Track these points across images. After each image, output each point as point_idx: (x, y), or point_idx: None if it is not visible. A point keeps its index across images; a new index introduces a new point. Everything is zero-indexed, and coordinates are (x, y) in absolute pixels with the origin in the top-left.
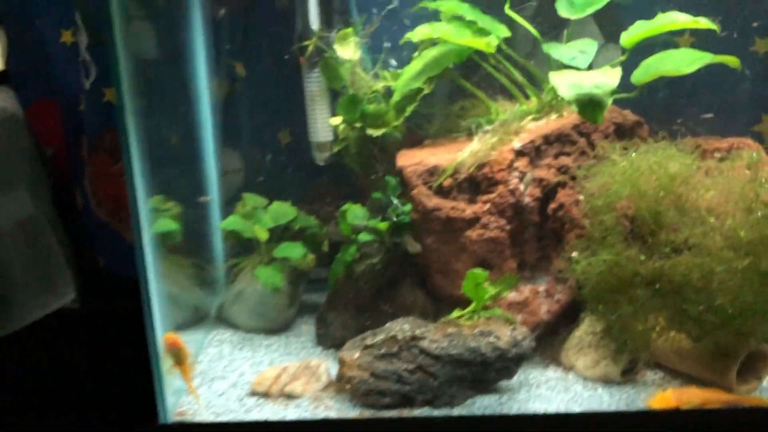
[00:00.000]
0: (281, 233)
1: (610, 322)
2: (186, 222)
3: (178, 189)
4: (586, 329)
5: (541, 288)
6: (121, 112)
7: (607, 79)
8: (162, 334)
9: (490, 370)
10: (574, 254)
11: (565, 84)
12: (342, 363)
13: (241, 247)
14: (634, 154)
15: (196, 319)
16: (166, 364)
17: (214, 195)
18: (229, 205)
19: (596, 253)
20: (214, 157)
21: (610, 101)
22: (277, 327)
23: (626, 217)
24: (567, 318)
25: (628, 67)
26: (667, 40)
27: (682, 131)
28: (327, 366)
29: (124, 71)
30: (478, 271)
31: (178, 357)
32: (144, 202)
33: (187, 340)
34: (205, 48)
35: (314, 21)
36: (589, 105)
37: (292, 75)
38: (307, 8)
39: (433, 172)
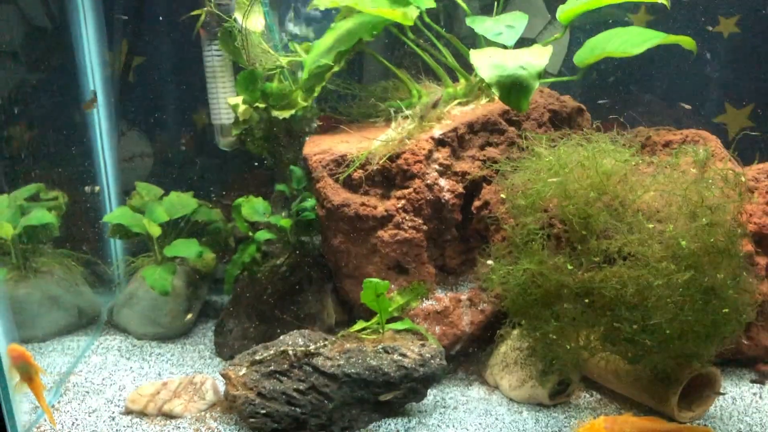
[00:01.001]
0: (181, 228)
1: (535, 339)
2: (73, 214)
3: (65, 177)
4: (511, 344)
5: (464, 296)
6: None
7: (534, 58)
8: (5, 346)
9: (396, 391)
10: (490, 262)
11: (487, 64)
12: (227, 379)
13: (141, 243)
14: (562, 148)
15: (81, 323)
16: (12, 379)
17: (110, 183)
18: (129, 195)
19: (518, 261)
20: (109, 140)
21: (536, 84)
22: (172, 334)
23: (554, 220)
24: (494, 330)
25: (575, 48)
26: (622, 20)
27: (635, 121)
28: (214, 382)
29: None
30: (377, 281)
31: (27, 372)
32: None
33: (68, 347)
34: (94, 14)
35: None
36: (512, 89)
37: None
38: None
39: (341, 161)
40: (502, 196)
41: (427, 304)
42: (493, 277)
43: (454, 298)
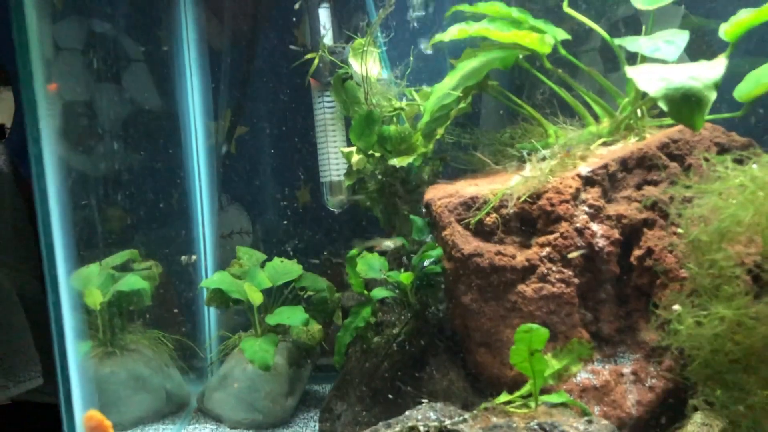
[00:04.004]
0: (284, 298)
1: (734, 415)
2: (166, 288)
3: (162, 252)
4: (697, 427)
5: (627, 369)
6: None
7: (705, 70)
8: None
9: None
10: (677, 307)
11: (648, 77)
12: None
13: (238, 317)
14: (755, 166)
15: (168, 409)
16: None
17: (207, 260)
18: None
19: (708, 309)
20: (210, 214)
21: (712, 97)
22: (270, 421)
23: (749, 256)
24: (667, 413)
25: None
26: None
27: None
28: None
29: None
30: (534, 326)
31: None
32: (61, 225)
33: None
34: (201, 84)
35: (325, 31)
36: (683, 103)
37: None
38: (315, 15)
39: (470, 204)
40: (679, 230)
41: (583, 378)
42: (681, 327)
43: (615, 372)
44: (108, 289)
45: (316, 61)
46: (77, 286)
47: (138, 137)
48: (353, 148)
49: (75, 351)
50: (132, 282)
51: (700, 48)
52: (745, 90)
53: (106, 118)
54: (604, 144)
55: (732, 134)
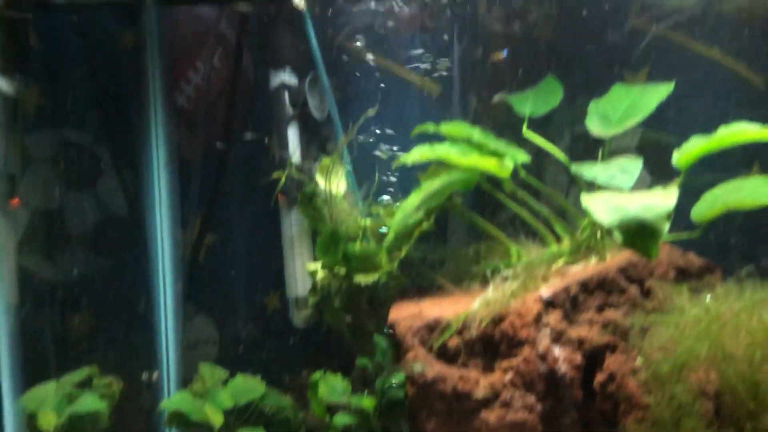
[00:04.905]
0: (247, 417)
1: None
2: (126, 404)
3: (122, 363)
4: None
5: None
6: None
7: (659, 199)
8: None
9: None
10: None
11: (603, 207)
12: None
13: None
14: (708, 298)
15: None
16: None
17: (170, 371)
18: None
19: None
20: (174, 324)
21: (665, 227)
22: None
23: (710, 385)
24: None
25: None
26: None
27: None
28: None
29: None
30: None
31: None
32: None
33: None
34: (169, 194)
35: (293, 149)
36: (638, 233)
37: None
38: (284, 134)
39: (434, 327)
40: (639, 361)
41: None
42: None
43: None
44: (64, 411)
45: (283, 179)
46: (30, 407)
47: (101, 246)
48: (319, 264)
49: None
50: (88, 403)
51: (656, 159)
52: (701, 211)
53: (69, 227)
54: (566, 264)
55: (689, 255)
